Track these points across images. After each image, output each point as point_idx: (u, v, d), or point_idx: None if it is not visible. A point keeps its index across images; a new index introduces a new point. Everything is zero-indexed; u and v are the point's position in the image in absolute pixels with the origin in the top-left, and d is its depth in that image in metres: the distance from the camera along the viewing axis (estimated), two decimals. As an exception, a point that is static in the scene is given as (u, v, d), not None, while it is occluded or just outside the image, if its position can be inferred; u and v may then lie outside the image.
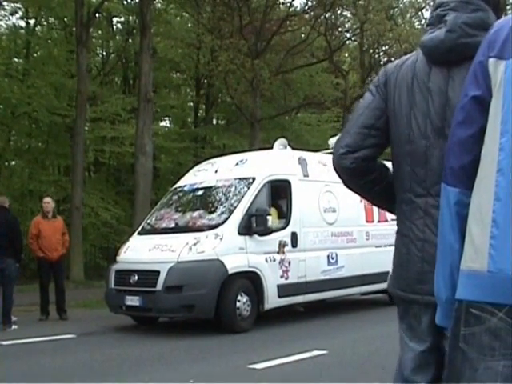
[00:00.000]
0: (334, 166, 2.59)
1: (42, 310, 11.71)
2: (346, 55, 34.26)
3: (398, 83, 2.44)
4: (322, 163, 11.80)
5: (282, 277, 10.65)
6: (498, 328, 1.61)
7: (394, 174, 2.53)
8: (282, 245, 10.70)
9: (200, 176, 11.97)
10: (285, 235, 10.83)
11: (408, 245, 2.40)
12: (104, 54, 30.07)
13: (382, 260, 12.25)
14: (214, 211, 10.80)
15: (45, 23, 27.81)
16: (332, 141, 13.06)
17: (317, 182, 11.57)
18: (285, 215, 11.08)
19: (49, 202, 12.02)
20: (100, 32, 28.01)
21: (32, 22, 26.76)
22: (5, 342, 9.14)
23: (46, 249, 11.60)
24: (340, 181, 2.61)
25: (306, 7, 25.98)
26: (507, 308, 1.60)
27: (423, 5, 31.47)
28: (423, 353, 2.42)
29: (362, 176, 2.54)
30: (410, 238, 2.39)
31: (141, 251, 10.58)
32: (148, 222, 11.82)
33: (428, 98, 2.34)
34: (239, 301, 9.93)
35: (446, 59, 2.32)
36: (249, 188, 10.70)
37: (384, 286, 12.71)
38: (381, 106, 2.48)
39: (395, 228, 2.54)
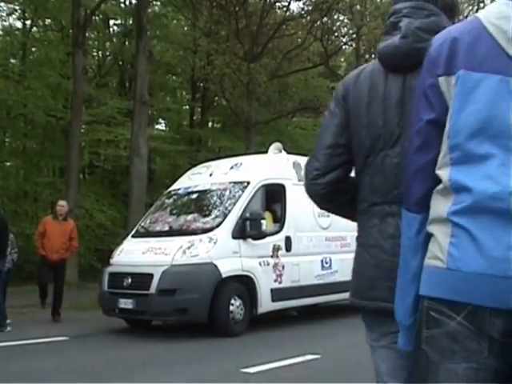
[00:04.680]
0: (306, 191, 2.51)
1: (41, 300, 11.85)
2: (342, 60, 34.34)
3: (356, 94, 2.37)
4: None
5: (275, 281, 10.65)
6: (456, 332, 1.64)
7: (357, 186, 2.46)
8: (276, 249, 10.72)
9: (195, 179, 11.98)
10: (279, 239, 10.84)
11: (362, 253, 2.36)
12: (100, 56, 30.05)
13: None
14: (209, 215, 10.81)
15: (41, 24, 27.80)
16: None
17: None
18: (279, 219, 11.10)
19: (63, 206, 12.08)
20: (97, 34, 28.02)
21: (28, 23, 26.75)
22: (-3, 344, 9.13)
23: (48, 249, 11.66)
24: None
25: (303, 12, 26.05)
26: (466, 312, 1.62)
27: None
28: (396, 359, 2.36)
29: (336, 199, 2.48)
30: (364, 246, 2.35)
31: (134, 254, 10.57)
32: (142, 224, 11.82)
33: (385, 107, 2.29)
34: (232, 305, 9.93)
35: (402, 65, 2.28)
36: (243, 192, 10.72)
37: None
38: (341, 121, 2.40)
39: None
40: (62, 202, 12.25)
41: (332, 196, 2.45)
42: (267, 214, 10.86)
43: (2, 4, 24.67)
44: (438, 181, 1.74)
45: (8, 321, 10.63)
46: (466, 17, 31.53)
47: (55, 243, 11.69)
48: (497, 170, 1.63)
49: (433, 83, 1.76)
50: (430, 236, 1.76)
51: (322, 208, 2.60)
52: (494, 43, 1.71)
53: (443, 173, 1.72)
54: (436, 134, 1.76)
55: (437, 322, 1.68)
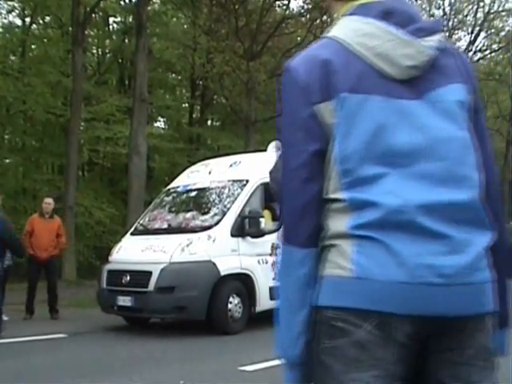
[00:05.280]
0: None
1: (26, 309, 11.71)
2: (342, 59, 34.34)
3: None
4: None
5: (274, 279, 10.65)
6: (365, 340, 1.61)
7: None
8: (274, 247, 10.72)
9: (193, 177, 11.98)
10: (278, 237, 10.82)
11: None
12: (100, 53, 30.05)
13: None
14: (207, 213, 10.82)
15: (41, 22, 27.79)
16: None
17: None
18: (278, 217, 11.05)
19: (50, 203, 11.98)
20: (96, 31, 28.01)
21: (28, 20, 26.73)
22: (-5, 341, 9.14)
23: (37, 248, 11.56)
24: None
25: (303, 10, 26.04)
26: (376, 320, 1.60)
27: (419, 9, 31.60)
28: None
29: None
30: None
31: (133, 251, 10.57)
32: (141, 222, 11.82)
33: None
34: (231, 302, 9.93)
35: None
36: (242, 190, 10.73)
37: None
38: None
39: None
40: (48, 200, 12.12)
41: None
42: (266, 212, 10.85)
43: (2, 1, 24.67)
44: (329, 205, 1.70)
45: (6, 318, 10.62)
46: (466, 16, 31.52)
47: (43, 241, 11.57)
48: (394, 185, 1.63)
49: (310, 113, 1.69)
50: (327, 248, 1.70)
51: None
52: (363, 62, 1.68)
53: (337, 195, 1.68)
54: (322, 162, 1.70)
55: (342, 331, 1.63)
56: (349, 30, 1.73)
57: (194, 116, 31.18)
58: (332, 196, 1.69)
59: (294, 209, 1.74)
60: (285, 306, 1.77)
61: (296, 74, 1.73)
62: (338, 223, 1.67)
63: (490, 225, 1.71)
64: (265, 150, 12.18)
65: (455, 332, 1.65)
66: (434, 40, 1.71)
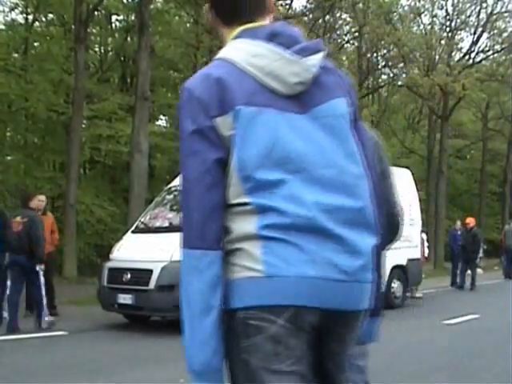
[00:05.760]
0: None
1: (27, 306, 11.69)
2: (344, 58, 34.35)
3: None
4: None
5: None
6: (279, 334, 1.73)
7: None
8: None
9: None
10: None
11: None
12: (102, 51, 30.05)
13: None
14: (209, 211, 10.80)
15: (43, 19, 27.79)
16: None
17: None
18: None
19: (43, 200, 11.93)
20: (99, 29, 28.01)
21: (31, 17, 26.73)
22: (-4, 338, 9.14)
23: None
24: None
25: (305, 10, 26.04)
26: (287, 313, 1.72)
27: (422, 10, 31.58)
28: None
29: None
30: None
31: (134, 250, 10.58)
32: (142, 220, 11.83)
33: None
34: (231, 301, 9.93)
35: None
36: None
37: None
38: None
39: None
40: (41, 197, 12.06)
41: None
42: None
43: (5, -2, 24.70)
44: (233, 209, 1.81)
45: (5, 314, 10.62)
46: (469, 17, 31.45)
47: None
48: (294, 190, 1.76)
49: (211, 126, 1.80)
50: (233, 252, 1.79)
51: None
52: (254, 80, 1.83)
53: (241, 200, 1.79)
54: (223, 171, 1.81)
55: (258, 328, 1.74)
56: (239, 51, 1.87)
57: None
58: (235, 201, 1.80)
59: (201, 213, 1.80)
60: (195, 311, 1.80)
61: (193, 92, 1.85)
62: (244, 226, 1.78)
63: (377, 228, 1.86)
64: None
65: (341, 325, 1.83)
66: (316, 59, 1.87)
